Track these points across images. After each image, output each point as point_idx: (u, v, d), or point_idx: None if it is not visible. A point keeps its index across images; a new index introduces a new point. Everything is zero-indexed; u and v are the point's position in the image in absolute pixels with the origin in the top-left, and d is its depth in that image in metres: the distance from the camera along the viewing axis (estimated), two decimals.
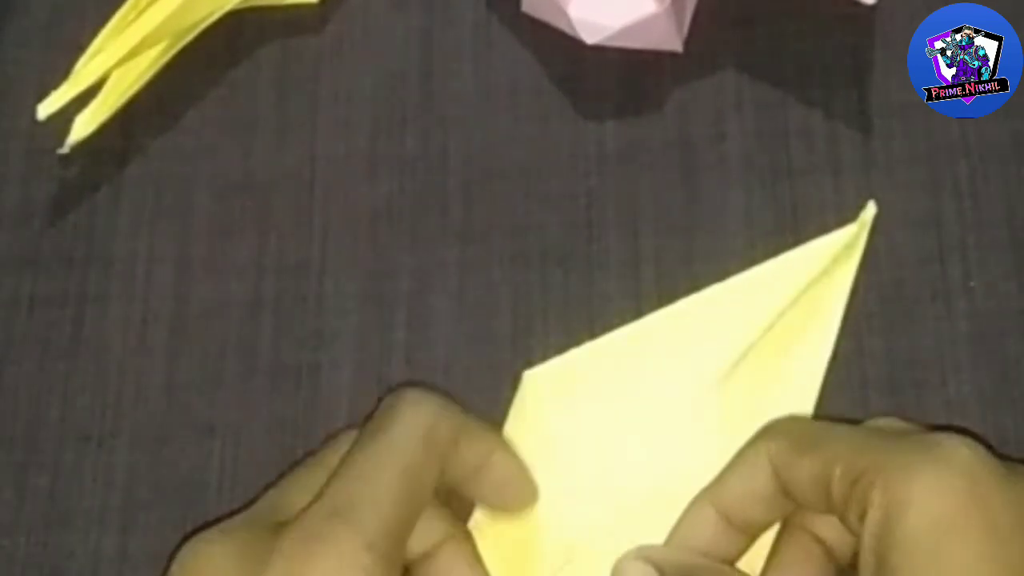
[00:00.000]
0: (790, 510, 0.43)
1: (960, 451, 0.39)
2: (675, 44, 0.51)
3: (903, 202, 0.49)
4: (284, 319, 0.50)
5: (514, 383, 0.47)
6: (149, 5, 0.51)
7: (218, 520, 0.42)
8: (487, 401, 0.47)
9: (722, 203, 0.50)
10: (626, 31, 0.50)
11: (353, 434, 0.43)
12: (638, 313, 0.49)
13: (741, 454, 0.43)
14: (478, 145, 0.52)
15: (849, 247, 0.47)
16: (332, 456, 0.42)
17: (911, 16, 0.51)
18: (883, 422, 0.43)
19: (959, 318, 0.48)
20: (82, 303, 0.50)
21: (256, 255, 0.51)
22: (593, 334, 0.48)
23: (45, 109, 0.50)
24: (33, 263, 0.51)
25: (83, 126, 0.52)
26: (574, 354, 0.47)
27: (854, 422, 0.43)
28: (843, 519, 0.40)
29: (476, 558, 0.43)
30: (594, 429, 0.46)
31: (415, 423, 0.41)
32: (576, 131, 0.52)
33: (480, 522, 0.44)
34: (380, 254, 0.51)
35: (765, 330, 0.46)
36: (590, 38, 0.50)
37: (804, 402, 0.46)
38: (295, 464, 0.44)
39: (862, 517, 0.39)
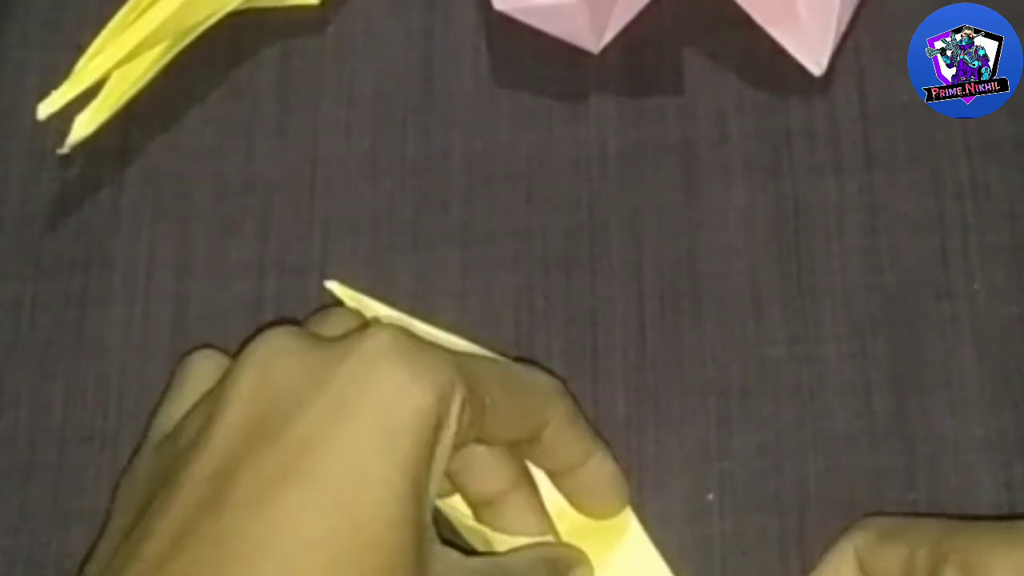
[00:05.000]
0: None
1: None
2: (590, 43, 0.51)
3: (905, 203, 0.49)
4: (286, 320, 0.50)
5: None
6: (150, 5, 0.51)
7: None
8: None
9: (724, 204, 0.50)
10: (540, 10, 0.51)
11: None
12: (640, 316, 0.49)
13: (830, 550, 0.44)
14: (479, 146, 0.52)
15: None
16: None
17: (911, 16, 0.51)
18: None
19: (962, 320, 0.48)
20: (83, 304, 0.50)
21: (257, 256, 0.51)
22: (595, 337, 0.49)
23: (45, 109, 0.50)
24: (34, 265, 0.51)
25: (83, 126, 0.52)
26: None
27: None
28: None
29: (542, 508, 0.44)
30: None
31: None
32: (577, 133, 0.52)
33: None
34: (381, 255, 0.51)
35: None
36: (499, 4, 0.51)
37: None
38: None
39: None
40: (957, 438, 0.47)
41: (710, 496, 0.47)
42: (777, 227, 0.50)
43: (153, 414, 0.44)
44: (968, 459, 0.47)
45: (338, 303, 0.48)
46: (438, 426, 0.38)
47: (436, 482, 0.38)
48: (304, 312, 0.50)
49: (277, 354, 0.39)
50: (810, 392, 0.48)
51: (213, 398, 0.40)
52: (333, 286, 0.49)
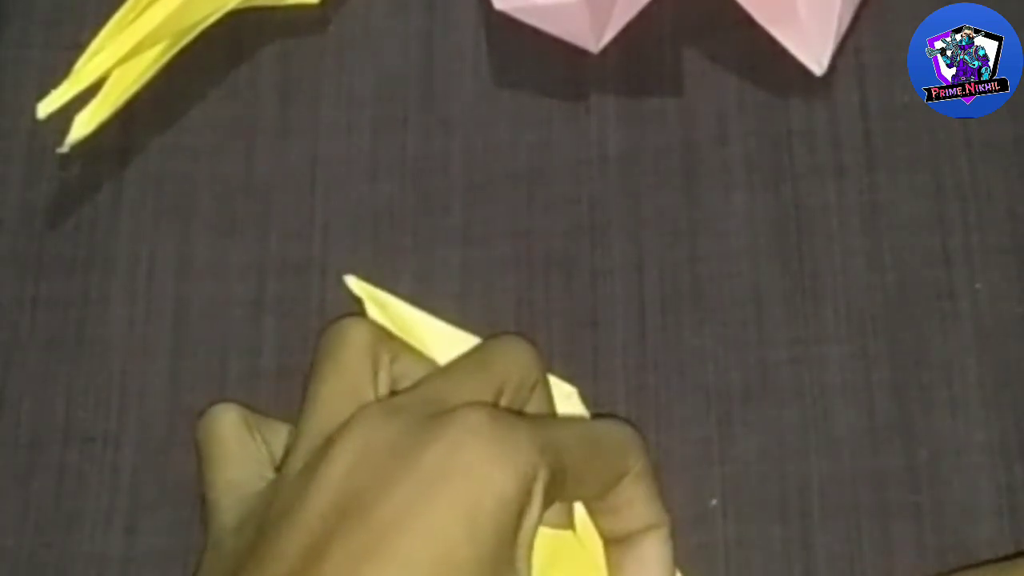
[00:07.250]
0: None
1: None
2: (590, 43, 0.51)
3: (906, 203, 0.50)
4: (286, 320, 0.50)
5: None
6: (149, 5, 0.51)
7: None
8: None
9: (725, 205, 0.50)
10: (540, 10, 0.51)
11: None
12: (641, 316, 0.49)
13: None
14: (480, 147, 0.52)
15: None
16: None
17: (911, 16, 0.51)
18: None
19: (964, 320, 0.48)
20: (84, 304, 0.50)
21: (258, 256, 0.51)
22: (595, 337, 0.49)
23: (45, 108, 0.50)
24: (35, 265, 0.51)
25: (83, 125, 0.52)
26: None
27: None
28: None
29: (568, 504, 0.44)
30: None
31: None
32: (578, 134, 0.52)
33: None
34: (381, 256, 0.51)
35: None
36: (499, 4, 0.51)
37: None
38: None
39: None
40: (959, 440, 0.47)
41: (713, 502, 0.47)
42: (778, 228, 0.50)
43: (200, 482, 0.44)
44: (970, 461, 0.47)
45: (356, 299, 0.49)
46: (522, 511, 0.38)
47: (524, 561, 0.39)
48: (304, 312, 0.50)
49: (371, 435, 0.40)
50: (812, 394, 0.48)
51: (308, 472, 0.40)
52: (351, 281, 0.49)
